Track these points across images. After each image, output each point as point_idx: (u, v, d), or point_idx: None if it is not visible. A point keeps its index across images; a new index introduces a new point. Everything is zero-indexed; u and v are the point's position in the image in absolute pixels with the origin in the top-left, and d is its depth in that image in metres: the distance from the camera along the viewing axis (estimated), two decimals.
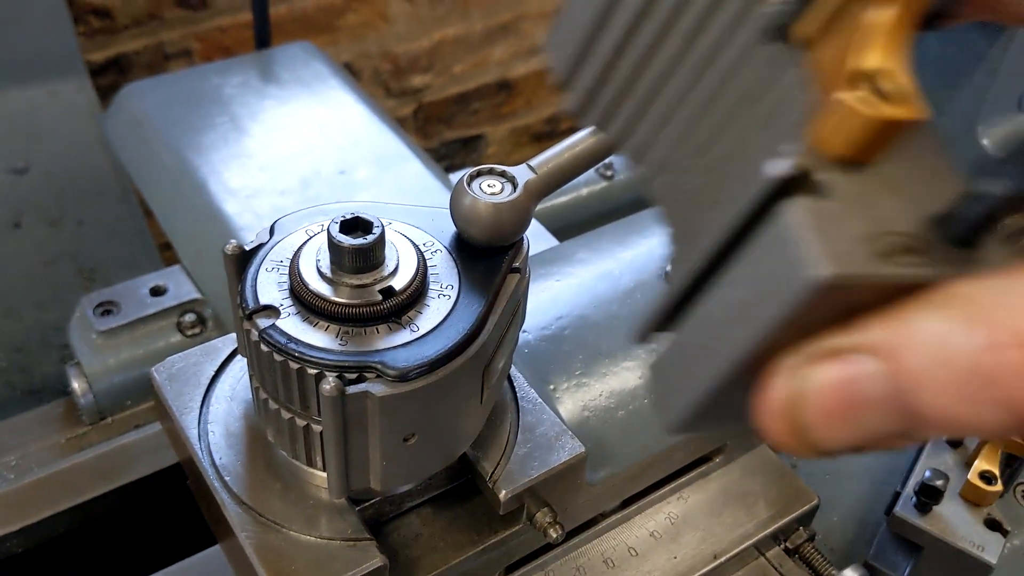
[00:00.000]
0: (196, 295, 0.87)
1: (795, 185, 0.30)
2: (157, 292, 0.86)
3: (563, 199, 1.07)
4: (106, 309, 0.85)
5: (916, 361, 0.28)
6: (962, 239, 0.29)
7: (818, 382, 0.30)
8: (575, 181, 1.09)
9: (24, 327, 1.27)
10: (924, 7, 0.31)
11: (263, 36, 1.06)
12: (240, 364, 0.61)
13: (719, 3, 0.34)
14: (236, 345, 0.62)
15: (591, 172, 1.09)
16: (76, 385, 0.83)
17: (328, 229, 0.50)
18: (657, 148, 0.37)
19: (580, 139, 0.56)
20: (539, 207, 1.08)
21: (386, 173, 0.93)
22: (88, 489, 0.80)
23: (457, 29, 1.94)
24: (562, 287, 0.71)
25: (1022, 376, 0.26)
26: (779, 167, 0.29)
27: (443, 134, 2.11)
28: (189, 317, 0.85)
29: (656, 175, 0.38)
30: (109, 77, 1.61)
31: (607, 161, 1.09)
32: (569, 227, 1.00)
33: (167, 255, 1.38)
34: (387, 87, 1.94)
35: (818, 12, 0.31)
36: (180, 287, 0.87)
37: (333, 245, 0.50)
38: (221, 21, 1.66)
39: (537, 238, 0.91)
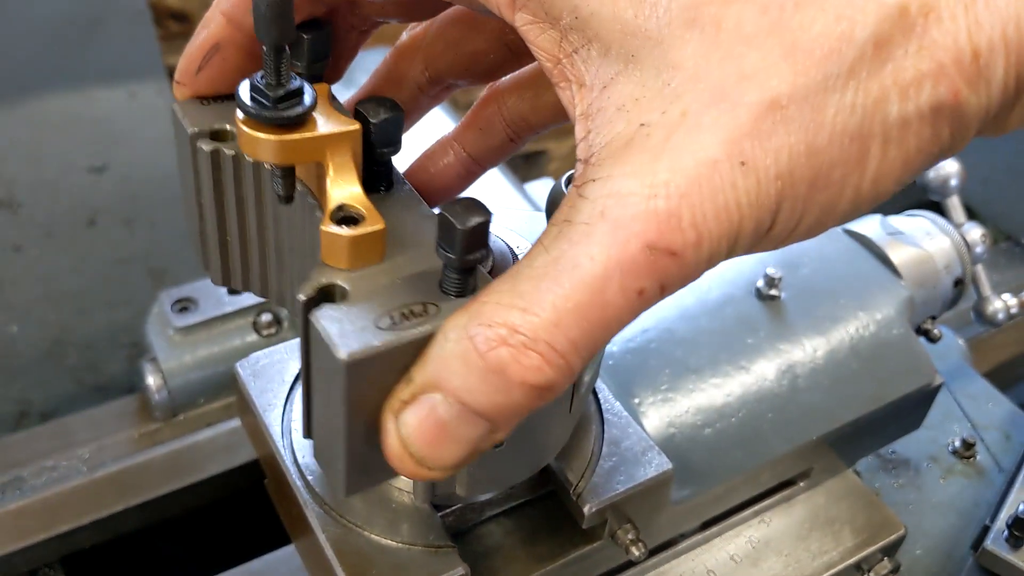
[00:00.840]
0: None
1: (325, 296, 0.40)
2: (235, 291, 0.86)
3: None
4: (184, 306, 0.86)
5: (453, 381, 0.36)
6: (457, 291, 0.40)
7: (409, 426, 0.38)
8: None
9: (94, 325, 1.28)
10: (359, 155, 0.43)
11: None
12: None
13: (262, 194, 0.47)
14: None
15: None
16: (151, 381, 0.83)
17: None
18: (281, 290, 0.51)
19: None
20: None
21: None
22: (159, 486, 0.80)
23: None
24: None
25: (517, 362, 0.35)
26: (304, 290, 0.40)
27: None
28: (265, 317, 0.85)
29: (287, 307, 0.53)
30: None
31: None
32: None
33: None
34: (454, 100, 1.94)
35: (303, 174, 0.44)
36: None
37: None
38: None
39: None
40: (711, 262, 0.36)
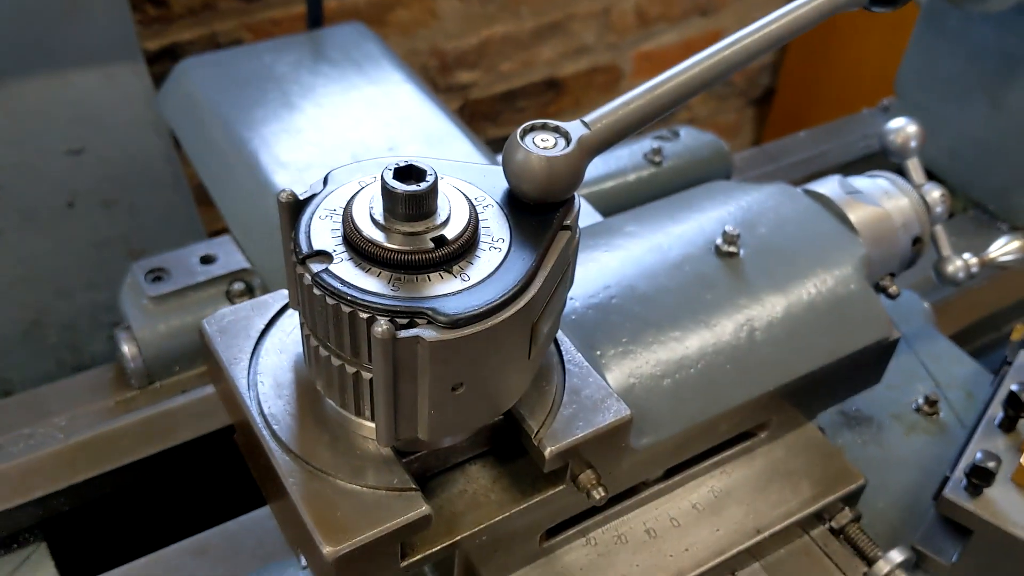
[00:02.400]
0: (245, 264, 0.88)
1: None
2: (207, 260, 0.88)
3: (610, 184, 1.07)
4: (157, 276, 0.87)
5: None
6: None
7: None
8: (623, 166, 1.09)
9: (75, 306, 1.29)
10: None
11: (316, 16, 1.08)
12: (290, 319, 0.62)
13: None
14: (286, 301, 0.62)
15: (639, 158, 1.09)
16: (126, 349, 0.84)
17: (382, 176, 0.51)
18: None
19: (634, 97, 0.56)
20: (587, 192, 1.08)
21: (434, 150, 0.94)
22: (134, 451, 0.81)
23: (507, 27, 1.95)
24: (611, 258, 0.71)
25: None
26: None
27: (488, 131, 2.11)
28: (238, 286, 0.86)
29: None
30: (162, 65, 1.63)
31: (655, 147, 1.09)
32: (617, 212, 1.00)
33: None
34: (434, 82, 1.95)
35: None
36: (230, 256, 0.88)
37: (387, 191, 0.50)
38: (274, 13, 1.68)
39: (586, 218, 0.91)
40: None
